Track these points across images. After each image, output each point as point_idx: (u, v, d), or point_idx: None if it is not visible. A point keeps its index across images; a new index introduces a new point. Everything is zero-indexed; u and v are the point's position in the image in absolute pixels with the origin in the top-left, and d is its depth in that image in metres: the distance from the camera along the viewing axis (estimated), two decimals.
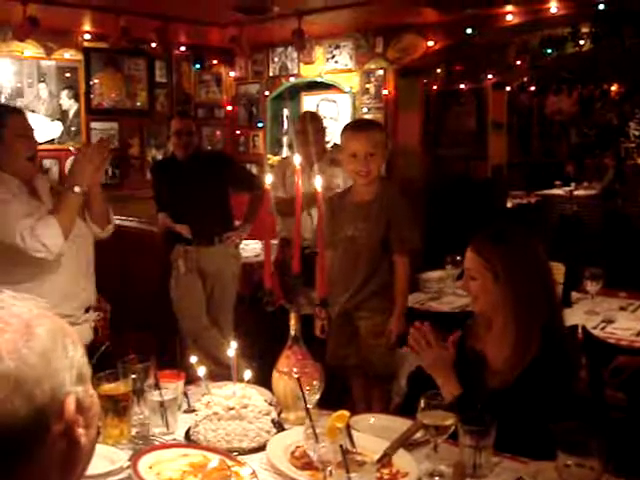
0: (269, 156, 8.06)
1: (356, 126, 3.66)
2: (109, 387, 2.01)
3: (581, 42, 6.58)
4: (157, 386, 2.08)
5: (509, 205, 9.07)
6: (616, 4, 5.42)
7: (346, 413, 1.78)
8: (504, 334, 2.19)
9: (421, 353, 2.25)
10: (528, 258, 2.21)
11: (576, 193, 9.40)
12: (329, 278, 3.45)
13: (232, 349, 2.17)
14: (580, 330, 3.23)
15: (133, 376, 2.08)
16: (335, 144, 5.02)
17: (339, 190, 3.97)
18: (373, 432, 2.03)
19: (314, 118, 4.90)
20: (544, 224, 8.44)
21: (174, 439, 2.02)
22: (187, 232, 4.65)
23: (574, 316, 3.38)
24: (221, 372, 2.50)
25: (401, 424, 2.04)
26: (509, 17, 6.02)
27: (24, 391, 0.89)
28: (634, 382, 2.71)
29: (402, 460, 1.86)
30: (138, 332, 3.95)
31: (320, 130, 4.80)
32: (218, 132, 8.27)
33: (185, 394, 2.22)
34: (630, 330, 3.34)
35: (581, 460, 1.64)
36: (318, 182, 2.15)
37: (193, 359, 2.18)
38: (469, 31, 6.22)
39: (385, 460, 1.84)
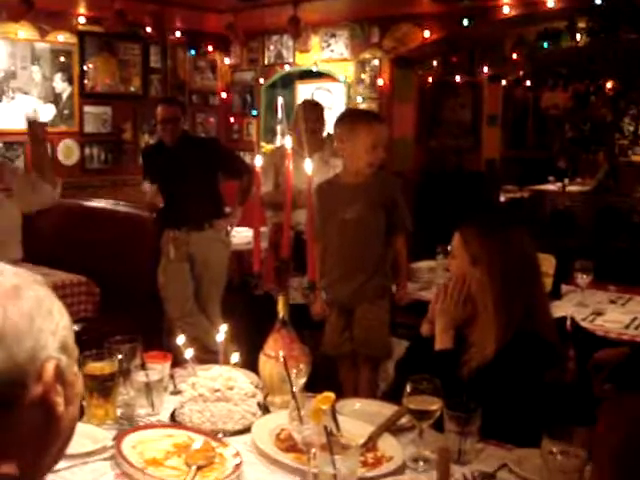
0: (262, 144, 8.04)
1: (371, 117, 3.73)
2: (95, 366, 2.00)
3: (577, 36, 6.58)
4: (143, 367, 2.08)
5: (502, 199, 9.08)
6: None
7: (331, 395, 1.77)
8: (484, 317, 2.20)
9: (438, 298, 2.28)
10: (508, 245, 2.23)
11: (569, 188, 9.40)
12: (325, 264, 3.50)
13: (220, 332, 2.17)
14: (569, 321, 3.23)
15: (119, 356, 2.07)
16: (329, 134, 4.93)
17: None
18: (358, 417, 2.03)
19: (315, 106, 4.84)
20: (536, 218, 8.45)
21: (159, 420, 2.02)
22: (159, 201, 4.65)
23: (563, 308, 3.38)
24: (208, 358, 2.49)
25: (387, 410, 2.04)
26: (506, 9, 6.01)
27: (4, 345, 0.90)
28: (621, 373, 2.71)
29: (387, 444, 1.86)
30: (128, 315, 3.93)
31: (321, 119, 4.73)
32: (212, 119, 8.24)
33: (171, 376, 2.21)
34: (619, 323, 3.35)
35: (566, 447, 1.64)
36: (308, 166, 2.14)
37: (180, 340, 2.17)
38: (465, 23, 6.22)
39: (370, 444, 1.84)
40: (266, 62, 7.93)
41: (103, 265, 4.61)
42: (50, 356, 0.95)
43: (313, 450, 1.58)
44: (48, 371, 0.94)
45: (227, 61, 8.20)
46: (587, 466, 1.64)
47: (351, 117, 3.66)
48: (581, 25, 6.52)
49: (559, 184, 9.58)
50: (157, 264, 4.77)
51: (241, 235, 5.45)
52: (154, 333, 4.41)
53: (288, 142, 2.27)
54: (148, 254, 4.83)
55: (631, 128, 10.00)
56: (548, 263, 3.54)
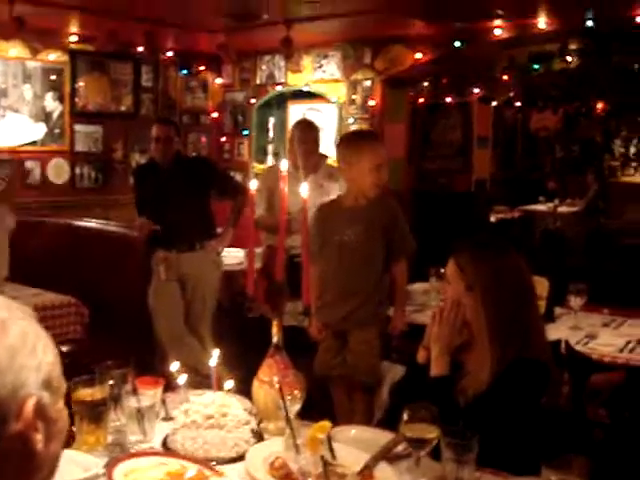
0: (254, 164, 8.04)
1: (374, 137, 3.74)
2: (85, 392, 1.96)
3: (569, 59, 6.62)
4: (135, 392, 2.04)
5: (492, 219, 9.09)
6: (604, 21, 5.46)
7: (327, 424, 1.75)
8: (479, 343, 2.18)
9: (434, 323, 2.25)
10: (503, 271, 2.21)
11: (559, 209, 9.43)
12: (322, 287, 3.49)
13: (213, 357, 2.14)
14: (563, 345, 3.22)
15: (110, 382, 2.03)
16: (323, 155, 4.89)
17: None
18: (354, 444, 1.99)
19: (311, 127, 4.80)
20: (527, 239, 8.46)
21: (151, 447, 1.98)
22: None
23: (557, 331, 3.36)
24: (199, 381, 2.46)
25: (383, 437, 2.01)
26: (497, 31, 6.04)
27: None
28: (615, 399, 2.70)
29: (383, 473, 1.83)
30: (117, 337, 3.90)
31: (316, 140, 4.70)
32: (203, 139, 8.24)
33: (163, 401, 2.18)
34: (612, 346, 3.33)
35: (565, 477, 1.61)
36: (304, 189, 2.12)
37: (173, 367, 2.14)
38: (457, 44, 6.24)
39: (366, 473, 1.81)
40: (258, 82, 7.93)
41: (92, 285, 4.58)
42: (31, 393, 0.96)
43: (309, 479, 1.55)
44: (28, 408, 0.95)
45: (219, 81, 8.21)
46: None
47: (356, 138, 3.68)
48: (572, 47, 6.57)
49: (550, 204, 9.62)
50: (147, 285, 4.73)
51: (232, 255, 5.42)
52: (144, 354, 4.37)
53: (284, 165, 2.24)
54: (138, 275, 4.81)
55: (622, 149, 10.07)
56: (541, 286, 3.53)
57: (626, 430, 2.27)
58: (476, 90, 8.43)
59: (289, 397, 1.95)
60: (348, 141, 3.64)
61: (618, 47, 6.31)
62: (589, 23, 5.38)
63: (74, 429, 1.91)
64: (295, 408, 1.99)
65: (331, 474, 1.53)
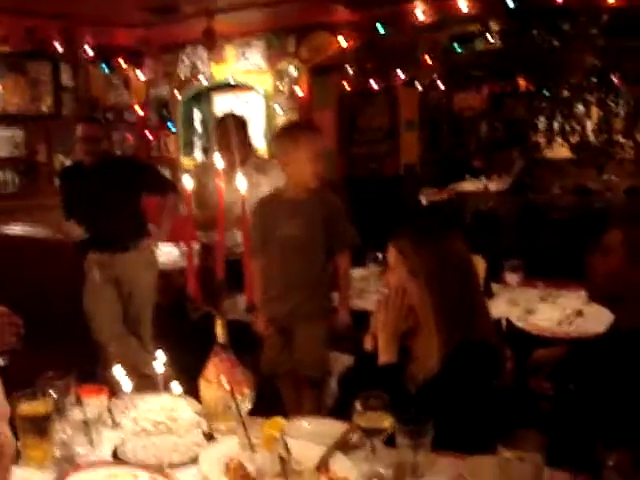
0: (182, 159, 7.93)
1: (311, 127, 3.70)
2: (28, 407, 1.89)
3: (490, 39, 6.72)
4: (79, 403, 1.98)
5: (423, 201, 9.16)
6: (525, 1, 5.55)
7: (281, 420, 1.72)
8: (426, 328, 2.19)
9: (379, 310, 2.24)
10: (444, 254, 2.22)
11: (489, 188, 9.57)
12: (266, 282, 3.45)
13: (158, 360, 2.09)
14: (504, 321, 3.27)
15: (53, 394, 1.96)
16: (252, 147, 4.86)
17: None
18: (308, 437, 1.97)
19: (236, 119, 4.74)
20: (459, 219, 8.57)
21: (101, 458, 1.92)
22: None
23: (496, 307, 3.41)
24: (144, 383, 2.40)
25: (336, 428, 2.00)
26: (420, 15, 6.08)
27: None
28: (558, 372, 2.75)
29: (340, 465, 1.82)
30: (54, 346, 3.79)
31: (241, 132, 4.63)
32: (129, 135, 8.07)
33: (109, 409, 2.12)
34: (551, 320, 3.41)
35: (522, 454, 1.63)
36: (242, 185, 2.08)
37: (116, 372, 2.08)
38: (380, 29, 6.27)
39: (323, 466, 1.80)
40: (182, 75, 7.82)
41: (23, 294, 4.43)
42: None
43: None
44: None
45: (141, 76, 8.05)
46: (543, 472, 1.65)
47: (292, 129, 3.65)
48: (494, 27, 6.66)
49: (478, 184, 9.75)
50: (81, 289, 4.62)
51: (167, 252, 5.33)
52: (85, 362, 4.27)
53: (219, 162, 2.20)
54: (71, 279, 4.69)
55: (546, 126, 10.27)
56: (478, 265, 3.57)
57: (571, 401, 2.31)
58: (401, 74, 8.47)
59: (239, 396, 1.92)
60: (284, 132, 3.61)
61: (539, 25, 6.43)
62: (510, 3, 5.46)
63: (19, 444, 1.84)
64: (246, 406, 1.97)
65: (289, 471, 1.51)
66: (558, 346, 2.78)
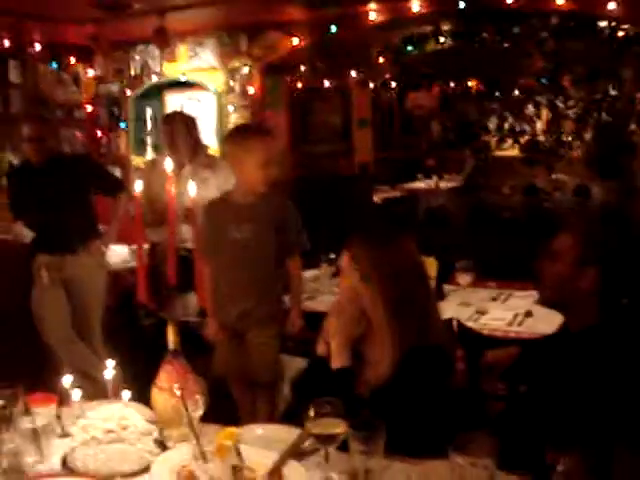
0: (133, 157, 7.83)
1: (263, 132, 3.64)
2: None
3: (442, 40, 6.78)
4: (27, 412, 1.94)
5: (376, 200, 9.20)
6: (476, 3, 5.60)
7: (234, 430, 1.71)
8: (378, 332, 2.19)
9: (332, 315, 2.24)
10: (396, 260, 2.23)
11: (441, 186, 9.66)
12: (216, 286, 3.41)
13: (108, 367, 2.06)
14: (455, 322, 3.29)
15: (1, 402, 1.92)
16: (201, 144, 4.85)
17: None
18: (261, 444, 1.97)
19: (183, 117, 4.74)
20: (411, 217, 8.62)
21: (50, 468, 1.88)
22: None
23: (447, 308, 3.43)
24: (91, 388, 2.36)
25: (290, 434, 2.00)
26: (372, 15, 6.10)
27: None
28: (511, 372, 2.78)
29: (293, 471, 1.81)
30: (1, 353, 3.71)
31: (191, 131, 4.65)
32: (78, 134, 7.92)
33: (58, 418, 2.08)
34: (502, 320, 3.45)
35: (474, 459, 1.64)
36: (192, 188, 2.06)
37: (66, 380, 2.04)
38: (333, 29, 6.28)
39: (275, 472, 1.79)
40: (132, 73, 7.71)
41: None
42: None
43: None
44: None
45: (91, 73, 7.91)
46: (496, 476, 1.66)
47: (242, 133, 3.55)
48: (445, 28, 6.72)
49: (430, 182, 9.84)
50: (29, 292, 4.51)
51: (116, 253, 5.25)
52: (33, 369, 4.20)
53: (169, 164, 2.17)
54: (18, 282, 4.59)
55: (497, 126, 10.43)
56: (430, 266, 3.59)
57: (523, 402, 2.34)
58: (354, 73, 8.50)
59: (191, 404, 1.89)
60: (235, 136, 3.52)
61: (489, 27, 6.51)
62: (461, 5, 5.51)
63: None
64: (198, 414, 1.95)
65: (242, 479, 1.50)
66: (510, 347, 2.80)
